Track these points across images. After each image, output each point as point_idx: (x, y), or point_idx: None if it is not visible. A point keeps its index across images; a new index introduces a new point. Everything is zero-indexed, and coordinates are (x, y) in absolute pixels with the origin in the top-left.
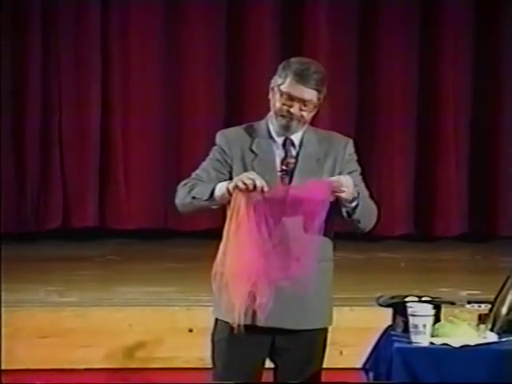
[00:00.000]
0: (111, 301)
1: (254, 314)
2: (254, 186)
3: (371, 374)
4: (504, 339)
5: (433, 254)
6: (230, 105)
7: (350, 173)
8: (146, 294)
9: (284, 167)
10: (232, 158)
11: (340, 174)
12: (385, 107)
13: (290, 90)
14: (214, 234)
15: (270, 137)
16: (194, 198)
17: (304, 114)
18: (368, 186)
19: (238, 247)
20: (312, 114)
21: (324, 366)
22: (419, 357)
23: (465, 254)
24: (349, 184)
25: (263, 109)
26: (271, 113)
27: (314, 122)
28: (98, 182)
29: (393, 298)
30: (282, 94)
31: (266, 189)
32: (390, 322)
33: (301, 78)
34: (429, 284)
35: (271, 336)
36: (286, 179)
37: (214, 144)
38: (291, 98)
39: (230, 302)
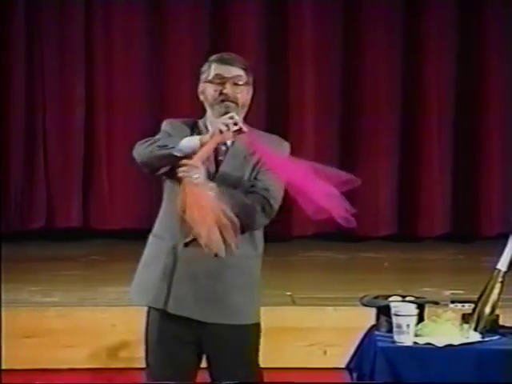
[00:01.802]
0: (95, 301)
1: (167, 299)
2: (236, 126)
3: (355, 374)
4: (487, 339)
5: (416, 254)
6: None
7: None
8: (129, 293)
9: (212, 165)
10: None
11: (258, 172)
12: (369, 108)
13: (216, 71)
14: None
15: (207, 131)
16: (156, 146)
17: (238, 95)
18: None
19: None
20: (246, 97)
21: (308, 365)
22: (403, 356)
23: (448, 254)
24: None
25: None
26: (208, 111)
27: (300, 122)
28: (81, 182)
29: (376, 297)
30: (211, 81)
31: (244, 129)
32: (373, 322)
33: (224, 60)
34: (412, 284)
35: (196, 329)
36: (211, 176)
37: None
38: (221, 79)
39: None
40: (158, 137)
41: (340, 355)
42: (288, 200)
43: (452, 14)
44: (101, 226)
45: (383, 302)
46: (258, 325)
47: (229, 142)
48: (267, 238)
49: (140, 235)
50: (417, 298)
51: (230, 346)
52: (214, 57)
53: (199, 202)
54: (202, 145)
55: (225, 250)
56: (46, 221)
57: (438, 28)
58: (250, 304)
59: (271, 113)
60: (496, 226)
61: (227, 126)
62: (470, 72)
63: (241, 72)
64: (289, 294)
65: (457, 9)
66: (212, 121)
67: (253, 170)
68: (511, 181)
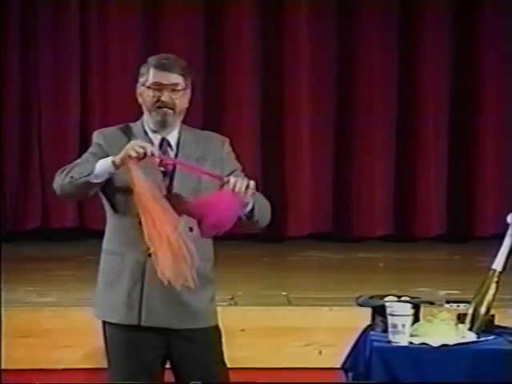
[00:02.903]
0: (90, 301)
1: (140, 313)
2: (145, 154)
3: (350, 374)
4: (482, 339)
5: (412, 254)
6: (208, 105)
7: (231, 172)
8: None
9: (163, 169)
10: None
11: (221, 174)
12: (364, 108)
13: (155, 79)
14: None
15: (147, 137)
16: (72, 177)
17: (176, 101)
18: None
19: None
20: (184, 102)
21: (303, 365)
22: (398, 356)
23: (443, 254)
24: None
25: (242, 109)
26: (145, 115)
27: (295, 122)
28: None
29: (372, 297)
30: (149, 87)
31: (156, 153)
32: (369, 322)
33: (163, 66)
34: (408, 284)
35: (166, 335)
36: (167, 181)
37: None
38: (159, 86)
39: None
40: (77, 161)
41: (335, 355)
42: (283, 201)
43: (447, 15)
44: (96, 226)
45: (379, 302)
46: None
47: (173, 143)
48: (263, 239)
49: None
50: (412, 298)
51: (199, 348)
52: (152, 61)
53: (157, 223)
54: (115, 165)
55: (179, 281)
56: (42, 221)
57: (434, 29)
58: (212, 306)
59: (266, 113)
60: (491, 227)
61: (137, 152)
62: (466, 73)
63: (179, 78)
64: (284, 294)
65: (452, 9)
66: (149, 122)
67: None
68: (506, 181)
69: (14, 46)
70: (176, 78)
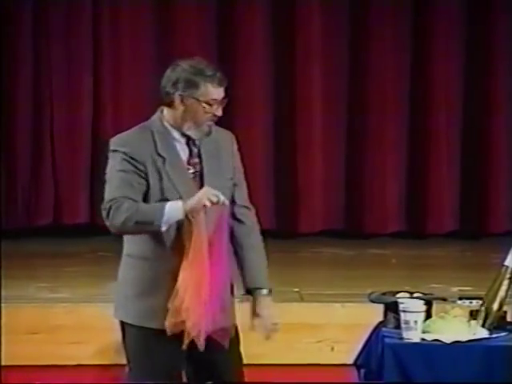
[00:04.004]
0: (102, 297)
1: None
2: (217, 202)
3: (362, 371)
4: (495, 335)
5: (424, 251)
6: None
7: (237, 173)
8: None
9: (191, 168)
10: (144, 164)
11: (234, 169)
12: (377, 105)
13: (212, 96)
14: None
15: (172, 137)
16: (136, 222)
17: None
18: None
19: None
20: None
21: (315, 362)
22: (410, 353)
23: (456, 251)
24: None
25: (254, 109)
26: (168, 113)
27: (307, 120)
28: (89, 179)
29: (384, 294)
30: (206, 102)
31: (226, 202)
32: (381, 318)
33: (218, 82)
34: (420, 280)
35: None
36: (198, 180)
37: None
38: (214, 102)
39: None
40: (115, 183)
41: (348, 351)
42: (295, 197)
43: (460, 14)
44: None
45: (391, 299)
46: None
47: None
48: (275, 235)
49: None
50: (424, 294)
51: (234, 345)
52: (208, 76)
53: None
54: (185, 213)
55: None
56: (54, 217)
57: (446, 27)
58: (234, 305)
59: (279, 111)
60: (504, 223)
61: (211, 201)
62: (479, 71)
63: (224, 92)
64: (296, 290)
65: (465, 8)
66: (185, 128)
67: (230, 170)
68: None
69: (26, 44)
70: (223, 92)
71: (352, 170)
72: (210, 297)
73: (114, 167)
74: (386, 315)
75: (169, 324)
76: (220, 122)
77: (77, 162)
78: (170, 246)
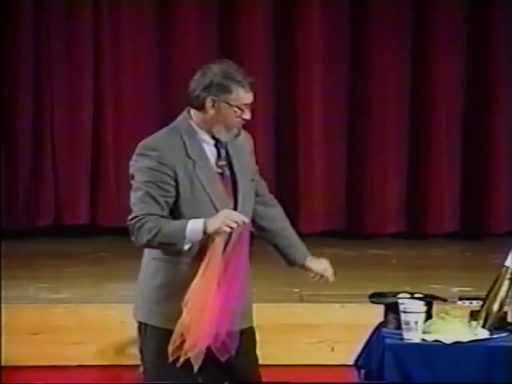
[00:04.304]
0: (103, 297)
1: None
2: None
3: (363, 371)
4: (495, 336)
5: (424, 251)
6: None
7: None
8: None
9: (219, 170)
10: (174, 169)
11: (252, 167)
12: (377, 105)
13: (244, 101)
14: None
15: (200, 139)
16: (161, 243)
17: None
18: None
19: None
20: None
21: (316, 362)
22: (411, 353)
23: (456, 251)
24: None
25: (255, 108)
26: (197, 115)
27: (308, 120)
28: (89, 180)
29: (385, 294)
30: (237, 107)
31: (247, 221)
32: (381, 319)
33: (247, 85)
34: (420, 281)
35: None
36: (226, 182)
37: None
38: (245, 106)
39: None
40: (144, 199)
41: (348, 352)
42: (296, 197)
43: (461, 13)
44: (108, 223)
45: (391, 299)
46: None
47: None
48: None
49: None
50: (425, 295)
51: (249, 347)
52: (240, 80)
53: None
54: (205, 232)
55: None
56: (54, 218)
57: (447, 26)
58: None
59: (279, 112)
60: (504, 224)
61: (231, 228)
62: (479, 70)
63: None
64: (297, 291)
65: (466, 7)
66: (215, 132)
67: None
68: None
69: (27, 45)
70: (253, 96)
71: (352, 171)
72: (216, 318)
73: (140, 176)
74: (386, 316)
75: (170, 351)
76: None
77: (77, 163)
78: (198, 252)
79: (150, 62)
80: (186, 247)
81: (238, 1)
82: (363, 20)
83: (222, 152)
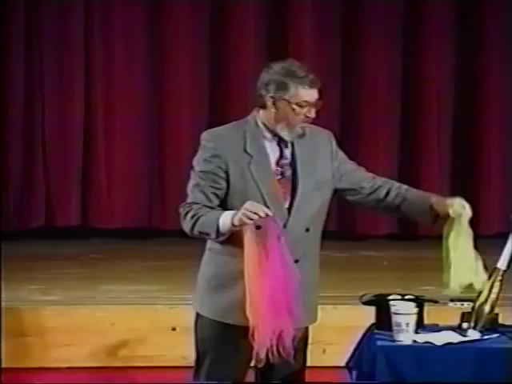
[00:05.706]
0: (94, 299)
1: None
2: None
3: (354, 373)
4: (486, 337)
5: (416, 253)
6: (213, 104)
7: (346, 164)
8: (128, 292)
9: (279, 168)
10: (227, 162)
11: (338, 167)
12: (368, 106)
13: (305, 98)
14: None
15: (263, 137)
16: (200, 232)
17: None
18: None
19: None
20: None
21: (307, 364)
22: (402, 355)
23: None
24: None
25: (247, 109)
26: (263, 114)
27: None
28: (80, 181)
29: (376, 296)
30: (298, 104)
31: (270, 214)
32: (373, 321)
33: (308, 82)
34: (412, 282)
35: None
36: (287, 182)
37: (198, 143)
38: (307, 104)
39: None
40: (198, 184)
41: (339, 354)
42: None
43: (451, 13)
44: (100, 225)
45: (383, 301)
46: None
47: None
48: None
49: (139, 233)
50: (416, 296)
51: (299, 346)
52: (299, 77)
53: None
54: (232, 224)
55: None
56: (46, 219)
57: (438, 27)
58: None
59: None
60: (495, 225)
61: (251, 220)
62: (470, 71)
63: (318, 93)
64: None
65: (456, 7)
66: (279, 130)
67: (325, 171)
68: (510, 180)
69: (18, 45)
70: (317, 93)
71: None
72: (270, 310)
73: (196, 165)
74: (377, 317)
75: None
76: (213, 120)
77: (68, 164)
78: (242, 244)
79: (142, 62)
80: (221, 239)
81: (230, 1)
82: (354, 20)
83: (285, 151)
